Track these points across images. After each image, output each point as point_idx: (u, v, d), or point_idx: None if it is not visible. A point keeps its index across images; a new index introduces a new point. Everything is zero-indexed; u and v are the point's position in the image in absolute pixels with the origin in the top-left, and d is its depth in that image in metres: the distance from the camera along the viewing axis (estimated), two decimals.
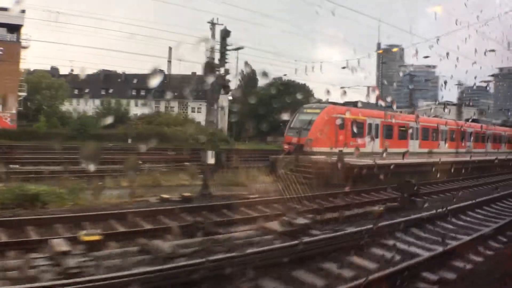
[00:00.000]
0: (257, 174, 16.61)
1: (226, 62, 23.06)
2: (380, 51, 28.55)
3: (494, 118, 63.59)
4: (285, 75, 51.75)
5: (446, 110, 49.46)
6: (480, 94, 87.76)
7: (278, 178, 15.09)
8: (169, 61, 50.39)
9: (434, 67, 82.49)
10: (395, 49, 24.84)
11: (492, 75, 25.78)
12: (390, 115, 23.50)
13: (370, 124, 22.82)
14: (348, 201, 11.13)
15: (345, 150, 19.26)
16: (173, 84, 55.58)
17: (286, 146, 21.04)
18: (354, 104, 23.00)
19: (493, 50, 23.73)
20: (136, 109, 55.30)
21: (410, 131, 25.40)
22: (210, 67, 16.03)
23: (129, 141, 28.87)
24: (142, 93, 58.94)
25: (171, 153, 23.29)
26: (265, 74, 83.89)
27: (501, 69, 76.83)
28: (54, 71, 62.75)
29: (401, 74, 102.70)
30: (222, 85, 24.15)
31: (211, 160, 19.80)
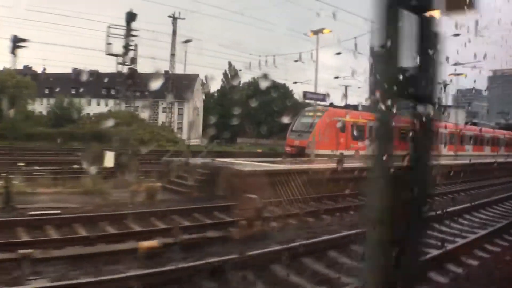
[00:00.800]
0: (144, 180, 13.72)
1: (131, 50, 20.57)
2: (311, 34, 25.31)
3: (488, 121, 61.01)
4: (240, 70, 48.22)
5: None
6: (475, 96, 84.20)
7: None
8: (134, 58, 47.62)
9: None
10: (327, 31, 21.99)
11: (455, 64, 23.40)
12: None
13: (370, 127, 20.77)
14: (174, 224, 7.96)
15: (346, 152, 19.73)
16: (144, 83, 52.85)
17: (288, 149, 21.10)
18: (355, 107, 23.61)
19: (458, 35, 20.89)
20: (105, 109, 52.96)
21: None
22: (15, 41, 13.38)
23: (58, 141, 26.30)
24: (113, 92, 56.38)
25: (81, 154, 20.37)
26: (265, 76, 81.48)
27: (495, 71, 73.60)
28: (27, 70, 60.84)
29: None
30: (128, 74, 21.56)
31: (109, 162, 17.06)
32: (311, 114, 22.18)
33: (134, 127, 32.52)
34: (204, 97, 67.36)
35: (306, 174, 12.04)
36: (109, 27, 18.01)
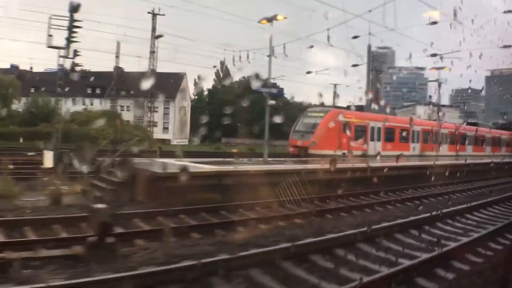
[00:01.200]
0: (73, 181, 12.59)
1: (74, 41, 19.41)
2: (264, 22, 23.05)
3: (485, 121, 60.32)
4: (214, 66, 46.05)
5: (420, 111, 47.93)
6: (471, 97, 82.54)
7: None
8: (117, 56, 46.59)
9: (423, 69, 78.14)
10: (281, 17, 20.16)
11: (433, 54, 22.97)
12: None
13: (372, 128, 23.16)
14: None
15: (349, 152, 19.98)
16: (129, 82, 52.03)
17: (291, 149, 21.44)
18: (358, 108, 24.27)
19: (435, 23, 19.77)
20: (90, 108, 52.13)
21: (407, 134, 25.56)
22: None
23: (21, 140, 25.34)
24: (98, 91, 55.61)
25: (31, 153, 19.33)
26: (257, 76, 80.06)
27: (492, 71, 72.10)
28: (14, 69, 60.24)
29: (394, 77, 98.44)
30: (71, 68, 20.52)
31: (49, 162, 15.96)
32: (314, 114, 22.49)
33: (104, 126, 31.56)
34: (196, 96, 66.39)
35: (245, 177, 10.93)
36: (50, 18, 17.03)
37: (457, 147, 28.46)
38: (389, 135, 24.20)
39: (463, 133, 30.64)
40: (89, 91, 55.46)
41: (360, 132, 22.45)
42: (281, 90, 15.68)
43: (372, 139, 23.10)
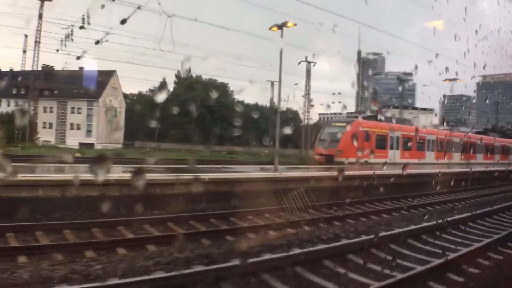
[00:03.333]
0: None
1: None
2: None
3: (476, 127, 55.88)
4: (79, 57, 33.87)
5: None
6: (463, 102, 75.61)
7: None
8: (24, 51, 41.14)
9: (411, 74, 71.84)
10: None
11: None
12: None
13: (392, 137, 24.20)
14: None
15: (370, 160, 21.12)
16: (55, 81, 46.33)
17: (317, 157, 22.75)
18: (375, 118, 25.28)
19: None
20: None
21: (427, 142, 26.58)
22: None
23: None
24: (23, 91, 50.21)
25: None
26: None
27: (484, 76, 65.48)
28: None
29: (400, 88, 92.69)
30: None
31: None
32: (338, 124, 23.77)
33: None
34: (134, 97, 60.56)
35: None
36: None
37: (465, 156, 29.20)
38: (407, 143, 25.17)
39: (473, 142, 31.01)
40: (14, 91, 50.13)
41: (381, 141, 23.40)
42: None
43: (392, 148, 23.93)
